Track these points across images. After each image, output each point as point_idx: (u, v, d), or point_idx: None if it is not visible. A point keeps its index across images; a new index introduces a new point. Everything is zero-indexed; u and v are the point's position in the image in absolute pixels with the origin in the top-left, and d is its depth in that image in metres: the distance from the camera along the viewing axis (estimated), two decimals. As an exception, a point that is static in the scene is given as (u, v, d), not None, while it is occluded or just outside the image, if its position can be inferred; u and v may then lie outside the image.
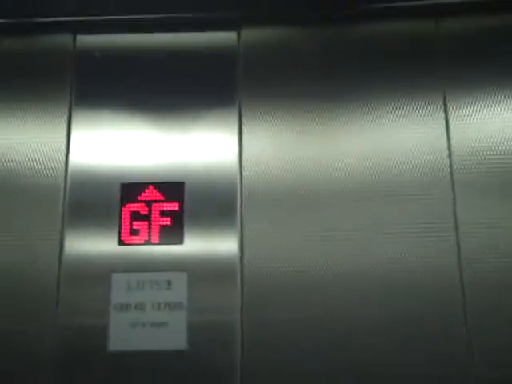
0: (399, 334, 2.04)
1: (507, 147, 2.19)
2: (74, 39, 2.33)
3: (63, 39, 2.33)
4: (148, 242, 2.12)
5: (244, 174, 2.20)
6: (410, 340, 2.04)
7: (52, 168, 2.22)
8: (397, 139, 2.22)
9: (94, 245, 2.14)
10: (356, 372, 2.03)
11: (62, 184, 2.20)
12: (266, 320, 2.06)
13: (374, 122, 2.24)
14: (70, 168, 2.21)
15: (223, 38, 2.32)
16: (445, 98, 2.24)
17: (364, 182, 2.18)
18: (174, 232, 2.13)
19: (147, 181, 2.18)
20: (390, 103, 2.25)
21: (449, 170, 2.18)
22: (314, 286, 2.09)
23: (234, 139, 2.24)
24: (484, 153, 2.19)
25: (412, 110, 2.24)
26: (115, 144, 2.24)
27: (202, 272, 2.10)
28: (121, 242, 2.13)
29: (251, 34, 2.32)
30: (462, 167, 2.18)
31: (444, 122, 2.23)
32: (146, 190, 2.17)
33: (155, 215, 2.14)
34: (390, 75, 2.28)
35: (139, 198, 2.16)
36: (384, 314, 2.06)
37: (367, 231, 2.13)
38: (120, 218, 2.15)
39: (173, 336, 2.04)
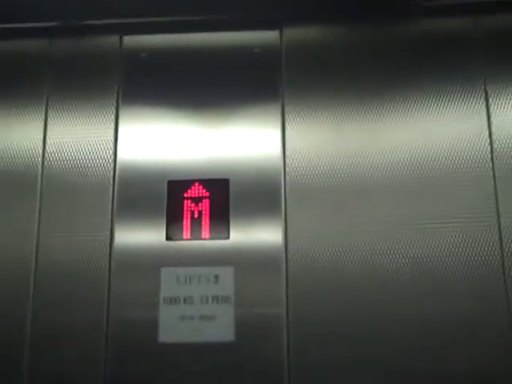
0: (444, 325, 2.08)
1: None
2: (121, 40, 2.40)
3: (111, 40, 2.40)
4: (195, 238, 2.19)
5: (287, 168, 2.25)
6: (455, 333, 2.07)
7: (101, 164, 2.29)
8: (438, 132, 2.24)
9: (143, 240, 2.21)
10: (405, 364, 2.07)
11: (111, 180, 2.27)
12: (311, 312, 2.11)
13: (414, 116, 2.26)
14: (118, 165, 2.29)
15: (266, 36, 2.36)
16: (486, 91, 2.26)
17: (407, 174, 2.21)
18: (220, 227, 2.19)
19: (193, 177, 2.24)
20: (431, 97, 2.27)
21: (490, 160, 2.19)
22: (358, 277, 2.13)
23: (277, 134, 2.28)
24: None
25: (453, 102, 2.26)
26: (161, 141, 2.30)
27: (248, 266, 2.16)
28: (169, 238, 2.19)
29: (293, 32, 2.36)
30: (504, 157, 2.19)
31: (485, 113, 2.24)
32: (192, 187, 2.23)
33: (201, 211, 2.20)
34: (429, 70, 2.30)
35: (185, 194, 2.23)
36: (430, 306, 2.09)
37: (411, 222, 2.16)
38: (167, 213, 2.21)
39: (221, 329, 2.10)
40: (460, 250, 2.12)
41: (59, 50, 2.42)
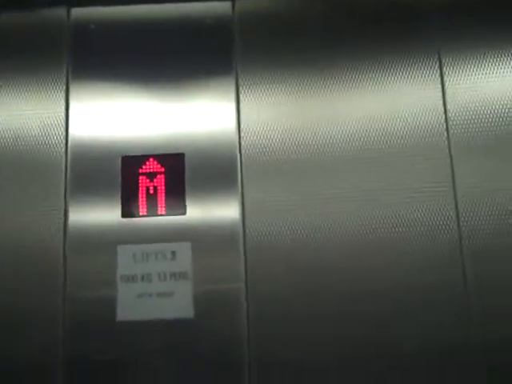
0: (400, 299, 2.08)
1: (503, 107, 2.21)
2: (69, 12, 2.32)
3: (58, 12, 2.32)
4: (151, 214, 2.15)
5: (243, 141, 2.22)
6: (410, 305, 2.08)
7: (52, 142, 2.22)
8: (394, 103, 2.23)
9: (97, 217, 2.17)
10: (362, 338, 2.07)
11: (63, 157, 2.21)
12: (270, 287, 2.09)
13: (371, 87, 2.25)
14: (70, 141, 2.22)
15: (218, 7, 2.31)
16: (440, 60, 2.26)
17: (363, 146, 2.20)
18: (176, 203, 2.15)
19: (147, 153, 2.20)
20: (387, 68, 2.25)
21: (445, 131, 2.20)
22: (317, 251, 2.12)
23: (231, 107, 2.24)
24: (480, 113, 2.21)
25: (408, 73, 2.25)
26: (114, 116, 2.25)
27: (205, 241, 2.13)
28: (124, 214, 2.15)
29: (246, 2, 2.31)
30: (459, 128, 2.20)
31: (439, 82, 2.24)
32: (147, 162, 2.19)
33: (157, 187, 2.16)
34: (386, 39, 2.29)
35: (140, 170, 2.18)
36: (385, 279, 2.10)
37: (368, 195, 2.16)
38: (122, 190, 2.17)
39: (179, 305, 2.08)
40: (416, 220, 2.13)
41: (3, 23, 2.32)
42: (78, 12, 2.32)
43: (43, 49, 2.30)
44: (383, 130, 2.21)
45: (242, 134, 2.22)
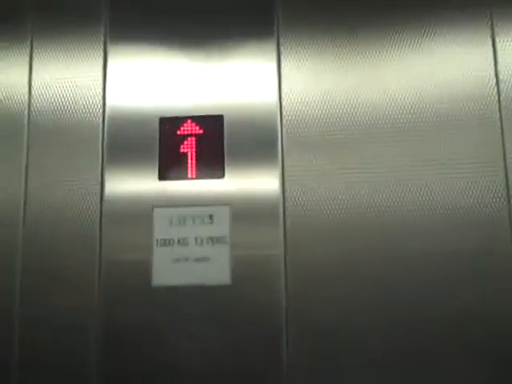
0: (447, 268, 2.02)
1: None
2: (107, -28, 2.29)
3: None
4: (188, 177, 2.10)
5: (284, 106, 2.14)
6: (458, 276, 2.01)
7: (89, 105, 2.19)
8: (441, 68, 2.13)
9: (134, 181, 2.12)
10: (406, 304, 2.01)
11: (100, 121, 2.18)
12: (308, 255, 2.04)
13: (417, 50, 2.15)
14: (107, 104, 2.18)
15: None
16: (492, 23, 2.15)
17: (407, 115, 2.11)
18: (214, 166, 2.09)
19: (186, 114, 2.14)
20: (434, 30, 2.16)
21: (497, 102, 2.10)
22: (357, 221, 2.05)
23: (272, 70, 2.17)
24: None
25: (457, 36, 2.15)
26: (152, 77, 2.20)
27: (244, 206, 2.07)
28: (161, 177, 2.10)
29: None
30: (511, 95, 2.10)
31: (491, 48, 2.14)
32: (185, 124, 2.13)
33: (195, 149, 2.11)
34: (432, 3, 2.18)
35: (178, 132, 2.13)
36: (432, 249, 2.02)
37: (414, 166, 2.08)
38: (159, 152, 2.12)
39: (216, 270, 2.03)
40: (463, 195, 2.05)
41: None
42: (116, -28, 2.29)
43: (81, 11, 2.26)
44: (428, 99, 2.11)
45: (284, 99, 2.15)
